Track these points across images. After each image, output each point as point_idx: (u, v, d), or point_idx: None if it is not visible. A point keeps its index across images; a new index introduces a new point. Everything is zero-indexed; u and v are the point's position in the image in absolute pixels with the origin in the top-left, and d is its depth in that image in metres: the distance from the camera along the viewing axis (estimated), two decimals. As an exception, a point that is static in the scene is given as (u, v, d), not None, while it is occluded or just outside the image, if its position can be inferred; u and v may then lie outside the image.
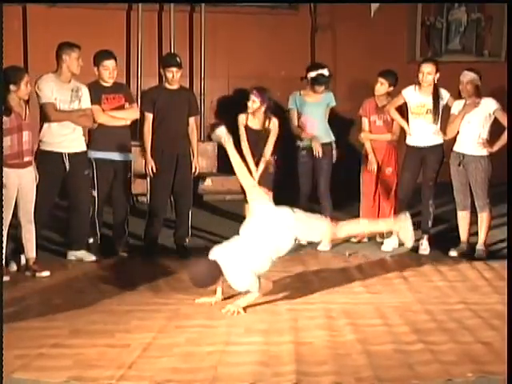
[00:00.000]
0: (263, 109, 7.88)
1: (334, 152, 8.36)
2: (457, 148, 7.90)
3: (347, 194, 8.56)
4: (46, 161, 7.40)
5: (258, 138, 7.91)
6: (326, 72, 8.34)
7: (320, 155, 8.22)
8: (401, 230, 6.65)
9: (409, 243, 6.79)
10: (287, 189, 8.04)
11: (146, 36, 10.39)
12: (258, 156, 7.92)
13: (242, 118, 7.96)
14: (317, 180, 8.36)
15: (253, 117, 7.93)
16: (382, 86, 8.35)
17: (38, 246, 7.32)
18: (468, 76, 7.80)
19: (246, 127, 7.93)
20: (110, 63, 7.72)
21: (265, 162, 7.92)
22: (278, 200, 6.10)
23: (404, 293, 6.64)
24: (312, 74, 8.34)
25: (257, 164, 7.91)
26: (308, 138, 8.26)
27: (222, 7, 10.57)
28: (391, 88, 8.38)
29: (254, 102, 7.86)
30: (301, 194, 8.36)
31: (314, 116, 8.34)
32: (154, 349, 5.14)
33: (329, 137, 8.39)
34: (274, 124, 7.94)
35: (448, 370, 4.75)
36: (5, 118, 6.54)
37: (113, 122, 7.73)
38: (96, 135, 7.73)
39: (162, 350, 5.13)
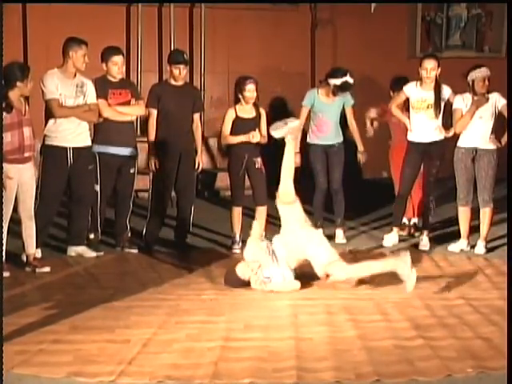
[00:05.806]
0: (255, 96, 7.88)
1: None
2: (466, 144, 7.84)
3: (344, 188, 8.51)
4: (50, 155, 7.41)
5: (251, 126, 7.85)
6: (350, 79, 8.11)
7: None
8: (400, 268, 6.38)
9: (409, 284, 6.35)
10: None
11: (145, 31, 10.41)
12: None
13: (231, 111, 7.89)
14: (330, 175, 8.31)
15: (241, 107, 7.87)
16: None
17: (41, 242, 7.34)
18: (485, 71, 7.76)
19: (238, 118, 7.86)
20: (118, 59, 7.71)
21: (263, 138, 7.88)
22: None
23: (404, 289, 6.63)
24: (337, 82, 8.11)
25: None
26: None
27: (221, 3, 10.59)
28: None
29: (255, 91, 7.82)
30: (317, 190, 8.29)
31: (329, 117, 8.28)
32: (154, 344, 5.14)
33: (339, 138, 8.36)
34: (262, 113, 7.94)
35: (448, 366, 4.74)
36: (5, 114, 6.54)
37: (118, 117, 7.71)
38: (100, 129, 7.70)
39: (162, 345, 5.12)
